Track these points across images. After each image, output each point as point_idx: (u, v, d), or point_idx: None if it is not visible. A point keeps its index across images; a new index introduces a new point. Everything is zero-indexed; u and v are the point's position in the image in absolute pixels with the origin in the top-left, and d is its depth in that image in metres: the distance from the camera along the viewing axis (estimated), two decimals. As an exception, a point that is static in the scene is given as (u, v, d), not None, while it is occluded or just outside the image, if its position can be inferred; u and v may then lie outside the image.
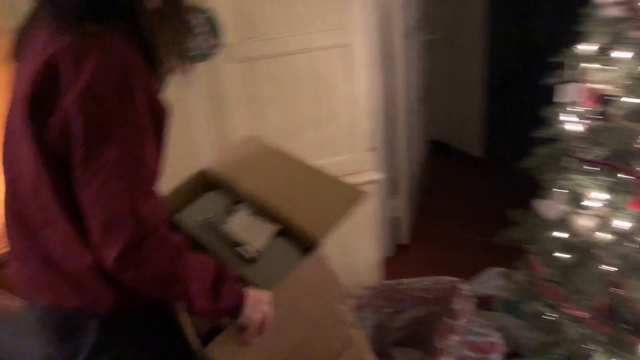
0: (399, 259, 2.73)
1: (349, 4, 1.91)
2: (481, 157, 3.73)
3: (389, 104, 2.54)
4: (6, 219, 1.04)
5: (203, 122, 1.90)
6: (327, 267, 1.24)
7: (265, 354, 1.10)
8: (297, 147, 1.89)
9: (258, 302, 1.05)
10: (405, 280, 2.03)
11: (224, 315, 1.04)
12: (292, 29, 1.89)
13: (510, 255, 1.89)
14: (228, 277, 1.02)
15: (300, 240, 1.24)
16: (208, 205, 1.35)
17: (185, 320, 1.13)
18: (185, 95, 1.78)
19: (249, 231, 1.25)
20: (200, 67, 1.80)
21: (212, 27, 1.77)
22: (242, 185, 1.35)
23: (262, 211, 1.30)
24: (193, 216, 1.31)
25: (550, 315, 1.64)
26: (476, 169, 3.63)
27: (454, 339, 1.76)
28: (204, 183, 1.42)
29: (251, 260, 1.20)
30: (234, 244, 1.22)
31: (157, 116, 0.95)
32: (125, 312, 1.00)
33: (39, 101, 0.90)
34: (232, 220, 1.27)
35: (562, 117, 1.63)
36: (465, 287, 1.90)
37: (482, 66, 3.51)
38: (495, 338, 1.85)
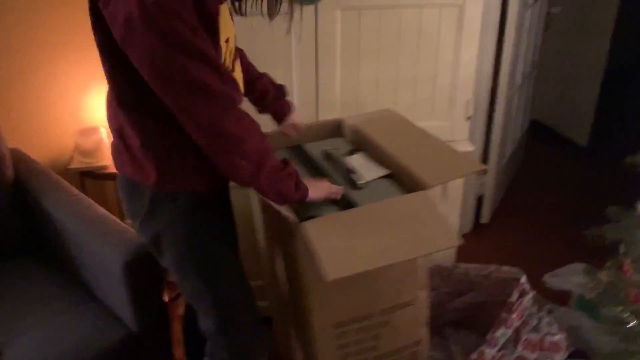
0: (476, 237, 2.64)
1: (469, -39, 1.79)
2: (584, 146, 3.48)
3: (494, 74, 2.40)
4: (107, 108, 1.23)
5: (295, 68, 1.88)
6: (432, 207, 1.24)
7: (349, 246, 1.14)
8: (390, 105, 1.85)
9: (318, 187, 1.24)
10: (465, 265, 1.95)
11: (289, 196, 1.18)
12: (405, -18, 1.81)
13: (598, 254, 1.77)
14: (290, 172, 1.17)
15: (409, 187, 1.33)
16: (334, 144, 1.59)
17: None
18: (282, 37, 1.76)
19: (363, 167, 1.43)
20: (309, 10, 1.77)
21: (324, -30, 1.73)
22: (368, 135, 1.53)
23: (380, 159, 1.45)
24: (319, 148, 1.56)
25: (633, 323, 1.52)
26: (577, 158, 3.40)
27: (506, 332, 1.68)
28: (336, 129, 1.67)
29: (360, 188, 1.35)
30: (348, 171, 1.40)
31: (208, 17, 1.00)
32: (167, 189, 1.16)
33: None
34: (352, 157, 1.49)
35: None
36: (525, 282, 1.79)
37: (604, 48, 3.22)
38: (561, 337, 1.75)
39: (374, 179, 1.38)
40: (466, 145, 2.06)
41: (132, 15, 0.92)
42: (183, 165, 1.15)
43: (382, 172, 1.41)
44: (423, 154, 1.44)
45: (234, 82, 1.18)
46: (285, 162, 1.17)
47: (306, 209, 1.24)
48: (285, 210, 1.24)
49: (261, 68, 1.49)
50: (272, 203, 1.21)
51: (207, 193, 1.21)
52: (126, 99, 1.12)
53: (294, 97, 1.88)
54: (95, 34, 1.07)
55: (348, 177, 1.38)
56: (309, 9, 1.79)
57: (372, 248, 1.13)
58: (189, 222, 1.20)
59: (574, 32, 3.33)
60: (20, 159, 1.88)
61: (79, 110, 2.14)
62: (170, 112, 1.03)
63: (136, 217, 1.23)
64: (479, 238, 2.63)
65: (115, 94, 1.13)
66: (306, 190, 1.19)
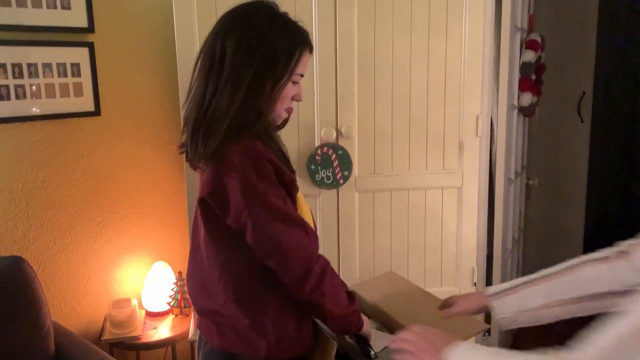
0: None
1: (465, 151, 2.14)
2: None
3: (489, 242, 2.65)
4: (188, 280, 1.33)
5: (321, 242, 2.12)
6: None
7: None
8: (403, 272, 2.07)
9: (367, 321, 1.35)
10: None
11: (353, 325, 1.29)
12: (412, 170, 2.14)
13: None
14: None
15: None
16: None
17: None
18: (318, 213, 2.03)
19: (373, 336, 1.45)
20: (331, 193, 2.06)
21: (344, 162, 2.05)
22: (372, 300, 1.58)
23: (387, 324, 1.51)
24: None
25: None
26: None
27: None
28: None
29: (374, 358, 1.38)
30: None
31: (287, 185, 1.20)
32: (282, 356, 1.24)
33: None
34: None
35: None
36: None
37: (579, 212, 3.58)
38: None
39: (384, 348, 1.42)
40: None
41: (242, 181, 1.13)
42: (296, 331, 1.25)
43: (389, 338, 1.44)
44: (428, 318, 1.48)
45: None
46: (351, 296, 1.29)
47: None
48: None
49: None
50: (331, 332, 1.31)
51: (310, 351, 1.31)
52: (235, 281, 1.23)
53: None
54: (206, 222, 1.22)
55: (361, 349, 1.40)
56: (331, 192, 2.08)
57: None
58: None
59: (551, 199, 3.71)
60: (58, 331, 1.97)
61: (112, 282, 2.29)
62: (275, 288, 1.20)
63: None
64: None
65: (221, 275, 1.23)
66: (363, 323, 1.32)
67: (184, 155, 1.27)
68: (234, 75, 1.15)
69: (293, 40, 1.22)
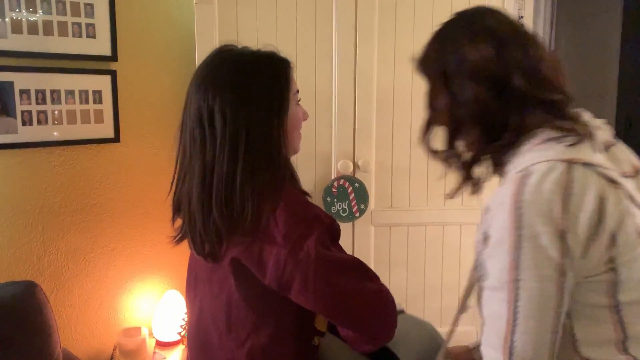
0: None
1: (484, 187, 2.11)
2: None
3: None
4: (190, 343, 1.24)
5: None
6: None
7: None
8: (419, 311, 2.01)
9: None
10: None
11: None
12: (430, 205, 2.11)
13: None
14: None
15: None
16: None
17: None
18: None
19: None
20: (347, 226, 2.04)
21: (360, 195, 2.03)
22: None
23: None
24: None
25: None
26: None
27: None
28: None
29: None
30: None
31: (333, 233, 1.13)
32: None
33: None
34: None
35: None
36: None
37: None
38: None
39: None
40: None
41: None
42: None
43: None
44: None
45: None
46: None
47: None
48: None
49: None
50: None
51: None
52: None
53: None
54: (239, 287, 1.11)
55: None
56: (347, 225, 2.05)
57: None
58: None
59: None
60: (67, 358, 1.95)
61: (123, 310, 2.27)
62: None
63: None
64: None
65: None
66: None
67: (191, 244, 1.15)
68: (232, 137, 1.04)
69: (275, 69, 1.14)
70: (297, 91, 1.18)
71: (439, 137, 1.08)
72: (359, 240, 2.08)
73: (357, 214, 2.05)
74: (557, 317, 0.86)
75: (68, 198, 2.09)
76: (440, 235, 2.13)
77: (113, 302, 2.24)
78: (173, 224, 1.18)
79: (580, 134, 0.91)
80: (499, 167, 1.01)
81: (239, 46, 1.16)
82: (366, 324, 1.11)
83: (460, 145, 1.04)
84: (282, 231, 1.02)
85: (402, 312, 1.37)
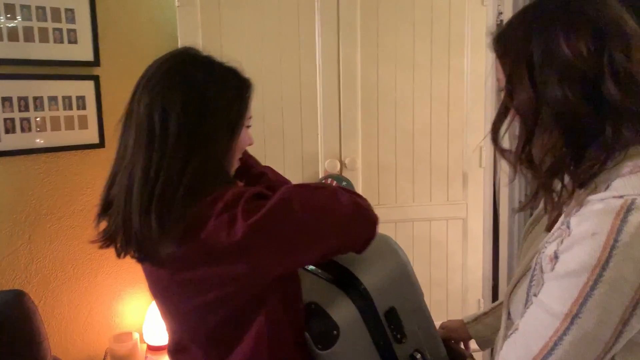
0: None
1: (469, 182, 2.14)
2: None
3: (495, 273, 2.63)
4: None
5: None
6: None
7: None
8: (410, 307, 2.03)
9: None
10: None
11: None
12: (416, 201, 2.13)
13: None
14: None
15: None
16: None
17: None
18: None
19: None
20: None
21: (348, 193, 2.05)
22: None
23: None
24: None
25: None
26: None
27: None
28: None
29: None
30: None
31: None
32: None
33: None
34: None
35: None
36: None
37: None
38: None
39: None
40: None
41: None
42: None
43: None
44: None
45: None
46: None
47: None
48: None
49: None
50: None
51: None
52: None
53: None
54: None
55: None
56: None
57: None
58: None
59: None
60: (58, 367, 1.94)
61: (113, 316, 2.26)
62: None
63: None
64: None
65: None
66: None
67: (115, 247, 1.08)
68: (186, 140, 0.98)
69: (239, 86, 1.08)
70: (250, 117, 1.12)
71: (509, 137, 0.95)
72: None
73: (345, 213, 2.06)
74: (600, 358, 0.80)
75: (54, 205, 2.07)
76: (427, 231, 2.16)
77: (103, 308, 2.23)
78: (97, 225, 1.11)
79: None
80: (583, 184, 0.85)
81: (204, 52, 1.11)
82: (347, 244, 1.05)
83: (536, 147, 0.89)
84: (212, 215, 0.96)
85: None
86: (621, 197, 0.78)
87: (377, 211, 2.07)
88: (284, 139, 1.99)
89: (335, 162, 2.04)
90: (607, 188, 0.81)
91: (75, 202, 2.12)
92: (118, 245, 1.07)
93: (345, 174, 2.06)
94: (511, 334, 0.88)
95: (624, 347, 0.82)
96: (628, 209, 0.77)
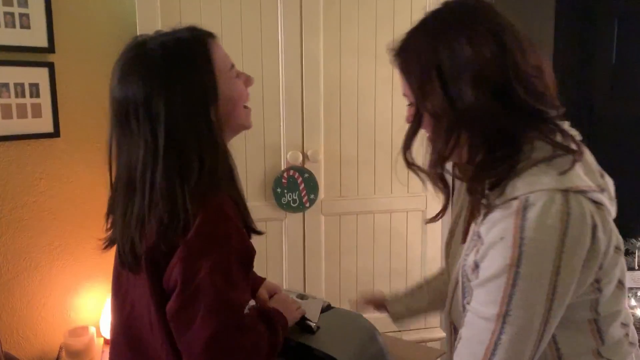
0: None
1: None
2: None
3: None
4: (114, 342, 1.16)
5: (284, 264, 2.10)
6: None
7: None
8: (370, 297, 2.06)
9: (289, 309, 1.20)
10: None
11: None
12: (377, 193, 2.15)
13: None
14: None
15: None
16: None
17: None
18: (279, 239, 2.03)
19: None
20: (297, 216, 2.05)
21: (310, 185, 2.05)
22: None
23: None
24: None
25: None
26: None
27: None
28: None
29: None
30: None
31: (245, 259, 1.03)
32: None
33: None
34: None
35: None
36: None
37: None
38: None
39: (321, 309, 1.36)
40: (439, 332, 2.25)
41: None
42: None
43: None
44: None
45: None
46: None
47: None
48: None
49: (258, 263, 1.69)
50: None
51: None
52: None
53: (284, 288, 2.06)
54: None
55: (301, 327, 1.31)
56: (297, 215, 2.07)
57: None
58: None
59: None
60: (10, 363, 1.88)
61: (68, 310, 2.20)
62: None
63: None
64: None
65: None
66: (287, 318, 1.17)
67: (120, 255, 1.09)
68: (155, 134, 0.98)
69: (193, 60, 1.02)
70: (233, 65, 1.07)
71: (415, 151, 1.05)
72: (310, 229, 2.10)
73: (307, 204, 2.07)
74: (538, 346, 0.86)
75: (5, 196, 2.00)
76: (388, 222, 2.18)
77: (58, 302, 2.17)
78: (107, 225, 1.15)
79: (572, 150, 0.88)
80: (496, 185, 0.90)
81: (154, 33, 1.06)
82: None
83: (455, 154, 0.96)
84: (187, 238, 0.95)
85: (329, 307, 1.35)
86: (516, 198, 0.85)
87: (339, 203, 2.11)
88: (246, 130, 1.97)
89: (297, 154, 2.04)
90: (507, 189, 0.88)
91: (28, 194, 2.05)
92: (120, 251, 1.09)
93: (308, 166, 2.06)
94: (457, 344, 0.94)
95: (560, 326, 0.89)
96: (524, 207, 0.83)
